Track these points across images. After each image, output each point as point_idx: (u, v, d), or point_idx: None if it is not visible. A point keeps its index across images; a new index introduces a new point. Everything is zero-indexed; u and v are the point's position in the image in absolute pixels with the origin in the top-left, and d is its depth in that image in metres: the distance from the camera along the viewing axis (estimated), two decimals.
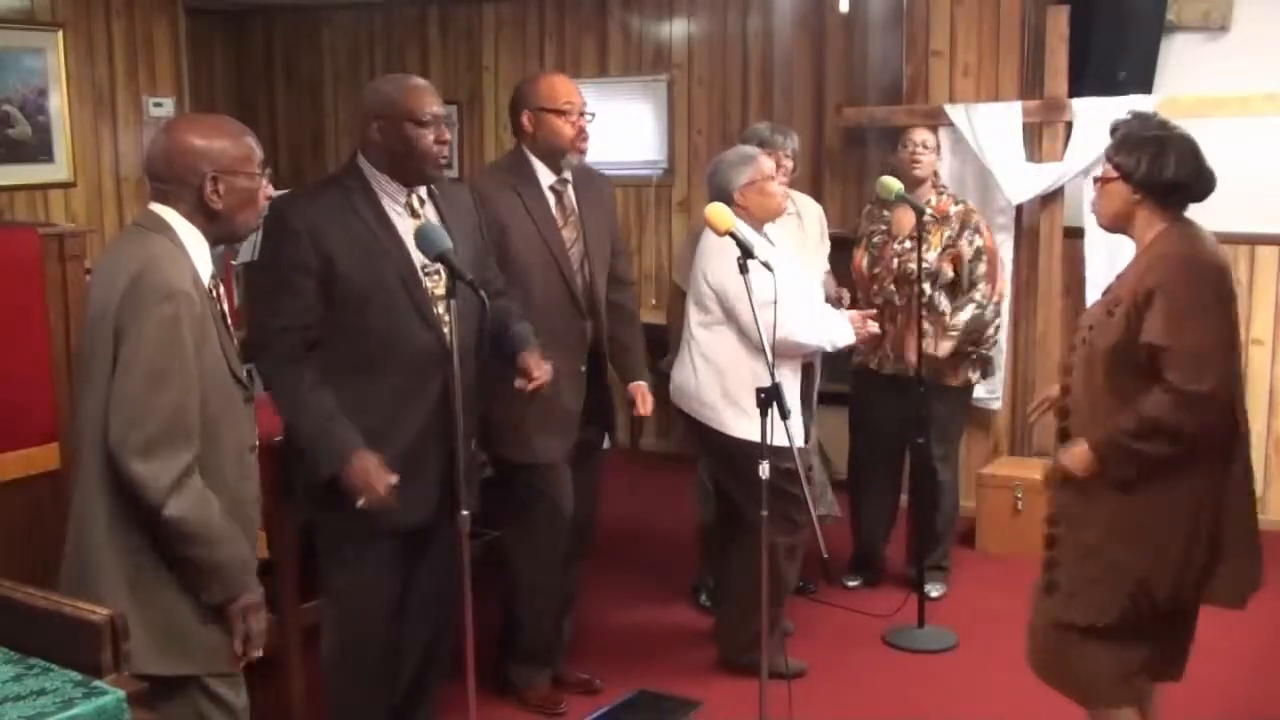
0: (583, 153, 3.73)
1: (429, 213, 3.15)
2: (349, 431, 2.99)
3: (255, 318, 3.14)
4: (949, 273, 4.64)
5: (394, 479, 2.96)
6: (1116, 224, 2.97)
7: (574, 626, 4.15)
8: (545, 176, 3.72)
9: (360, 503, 2.96)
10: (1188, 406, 2.76)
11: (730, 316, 3.82)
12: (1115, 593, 2.89)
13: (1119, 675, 2.97)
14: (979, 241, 4.68)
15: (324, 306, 3.02)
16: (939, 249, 4.64)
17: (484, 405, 3.45)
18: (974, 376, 4.86)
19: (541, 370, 3.25)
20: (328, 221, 3.01)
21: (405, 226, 3.09)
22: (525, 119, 3.69)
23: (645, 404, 3.96)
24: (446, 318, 3.06)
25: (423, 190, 3.16)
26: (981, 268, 4.68)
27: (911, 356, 4.54)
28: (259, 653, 2.51)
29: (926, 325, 4.55)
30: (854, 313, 4.17)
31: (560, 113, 3.65)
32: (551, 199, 3.73)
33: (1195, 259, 2.84)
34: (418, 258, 3.06)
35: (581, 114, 3.69)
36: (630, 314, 4.04)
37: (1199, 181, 2.88)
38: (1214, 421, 2.81)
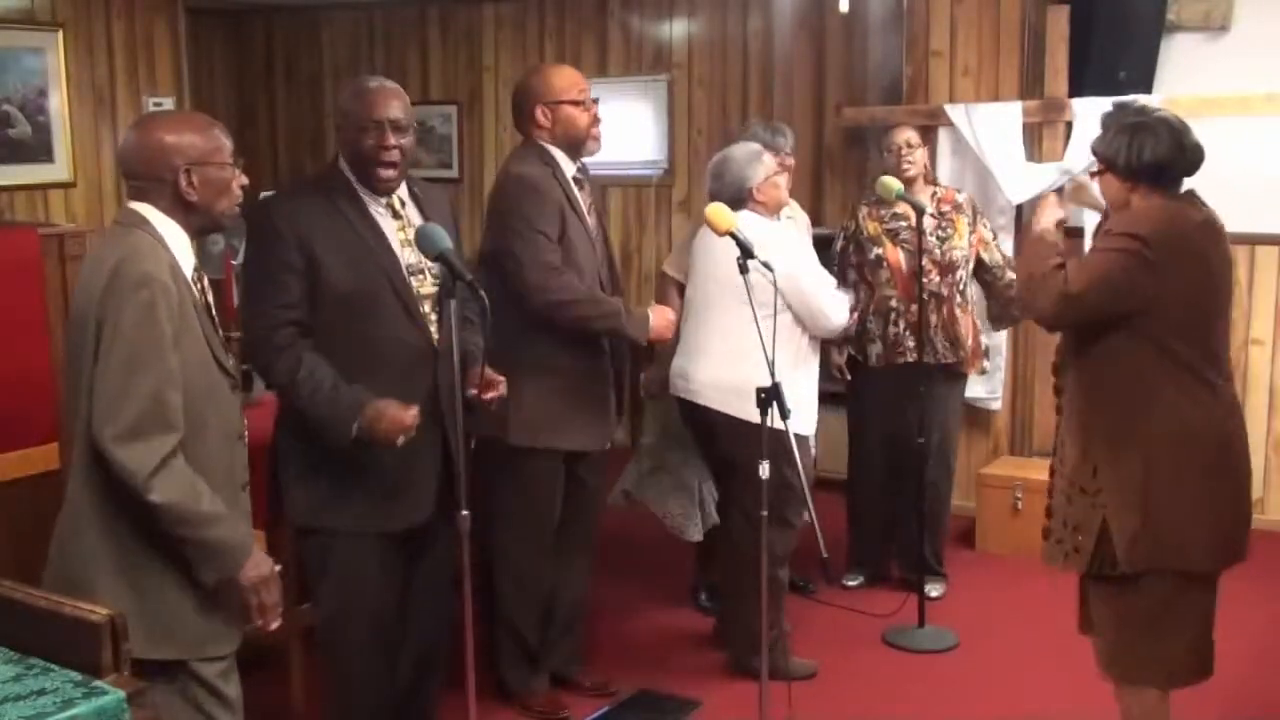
0: (599, 140, 3.74)
1: (411, 213, 3.14)
2: (354, 391, 2.95)
3: (243, 319, 3.13)
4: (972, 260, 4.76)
5: (415, 410, 2.93)
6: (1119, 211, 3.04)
7: (581, 629, 4.14)
8: (568, 167, 3.70)
9: (399, 441, 2.92)
10: (1054, 291, 2.94)
11: (796, 303, 3.83)
12: (1086, 543, 3.01)
13: (1147, 651, 3.01)
14: (990, 225, 4.88)
15: (310, 306, 3.01)
16: (966, 236, 4.71)
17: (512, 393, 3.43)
18: (987, 365, 5.01)
19: (498, 381, 3.17)
20: (313, 222, 3.01)
21: (388, 226, 3.09)
22: (539, 113, 3.66)
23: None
24: (434, 316, 3.08)
25: (403, 191, 3.15)
26: (1009, 245, 4.87)
27: (966, 342, 4.70)
28: (277, 624, 2.53)
29: (960, 313, 4.68)
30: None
31: (576, 103, 3.65)
32: (575, 189, 3.72)
33: (1140, 224, 2.90)
34: (403, 257, 3.07)
35: (594, 101, 3.70)
36: None
37: (1181, 157, 2.94)
38: (1055, 320, 3.03)
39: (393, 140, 3.03)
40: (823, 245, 4.88)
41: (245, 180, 2.57)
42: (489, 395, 3.13)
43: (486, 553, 3.87)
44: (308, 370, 2.96)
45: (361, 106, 3.04)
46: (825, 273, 4.12)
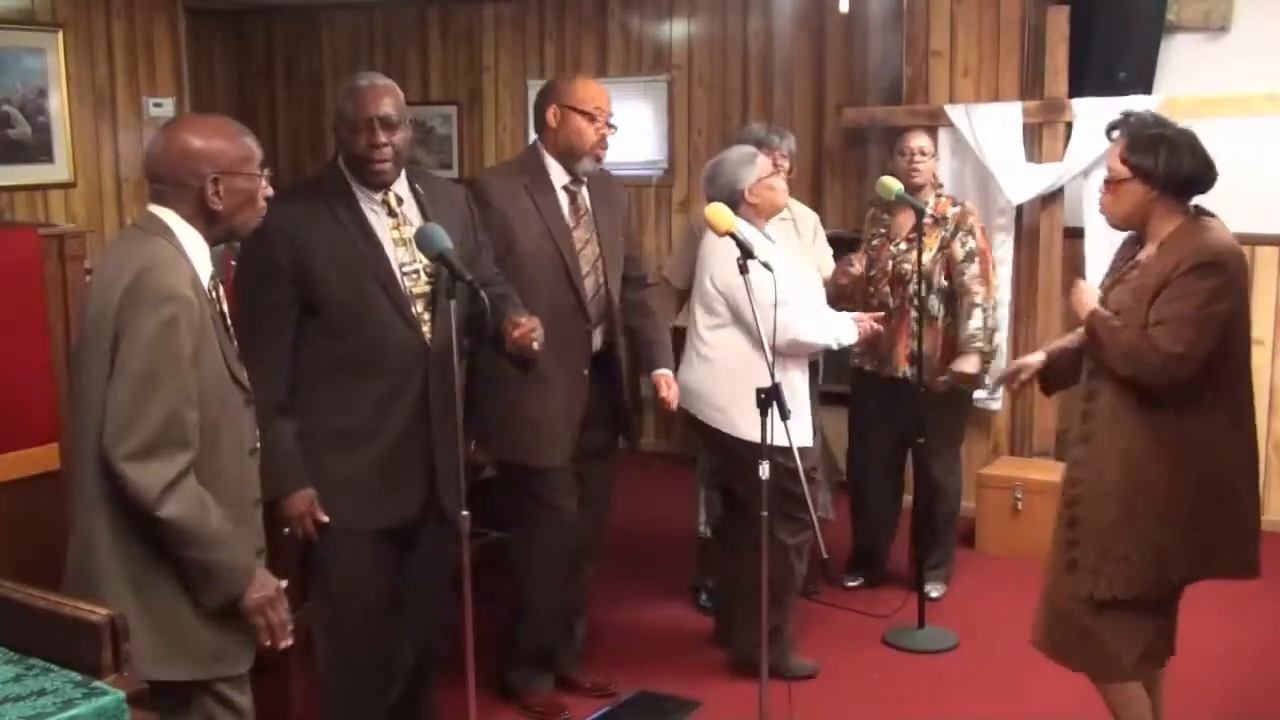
0: (599, 160, 3.73)
1: (409, 211, 3.14)
2: (298, 471, 3.03)
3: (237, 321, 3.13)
4: (944, 280, 4.63)
5: (324, 519, 3.05)
6: (1131, 222, 3.05)
7: (582, 630, 4.14)
8: (559, 177, 3.71)
9: (285, 530, 3.06)
10: (1156, 360, 2.91)
11: (738, 318, 3.82)
12: (1138, 567, 3.00)
13: (1137, 647, 3.06)
14: (971, 244, 4.66)
15: (298, 308, 3.02)
16: (934, 250, 4.62)
17: (481, 405, 3.44)
18: (963, 386, 4.78)
19: (528, 323, 3.15)
20: (304, 224, 3.02)
21: (382, 226, 3.09)
22: (551, 113, 3.68)
23: (669, 389, 3.85)
24: (427, 316, 3.09)
25: (402, 189, 3.15)
26: (974, 268, 4.63)
27: (901, 359, 4.62)
28: (289, 641, 2.49)
29: (915, 326, 4.56)
30: (859, 314, 4.19)
31: (587, 115, 3.65)
32: (565, 199, 3.71)
33: (1211, 250, 2.94)
34: (396, 256, 3.07)
35: (608, 123, 3.69)
36: (648, 309, 4.02)
37: (1209, 172, 2.99)
38: (1171, 383, 2.94)
39: (383, 138, 3.03)
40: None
41: (270, 191, 2.53)
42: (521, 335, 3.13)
43: (510, 556, 3.91)
44: (270, 417, 2.91)
45: (353, 105, 3.05)
46: (809, 290, 4.03)
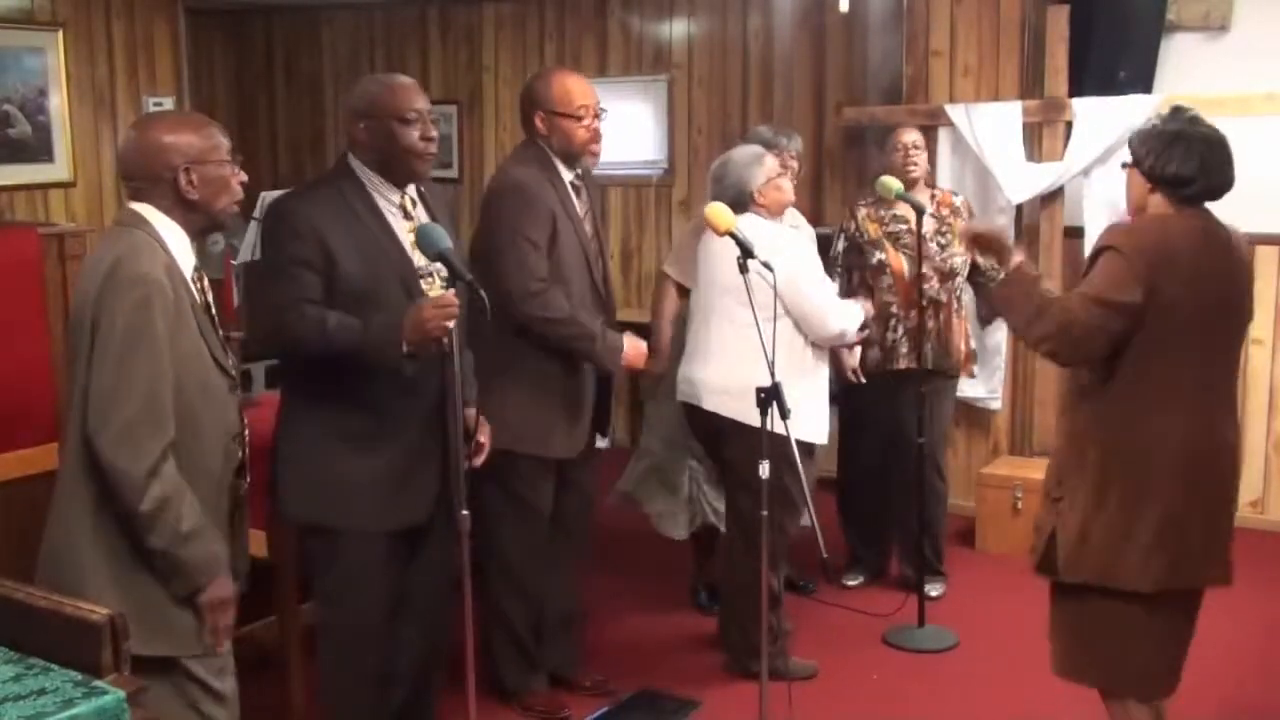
0: (596, 155, 3.72)
1: (420, 214, 3.14)
2: (383, 316, 2.93)
3: (257, 315, 3.12)
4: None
5: (450, 323, 2.84)
6: (1135, 211, 3.01)
7: (580, 630, 4.13)
8: (565, 173, 3.71)
9: (451, 324, 2.85)
10: (1062, 325, 2.87)
11: (794, 306, 3.79)
12: (1063, 545, 2.94)
13: (1085, 658, 3.02)
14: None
15: (327, 301, 3.00)
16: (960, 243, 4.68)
17: (491, 400, 3.44)
18: (976, 370, 5.01)
19: (485, 437, 3.30)
20: (329, 221, 3.00)
21: (400, 227, 3.08)
22: (539, 120, 3.66)
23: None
24: None
25: (414, 191, 3.15)
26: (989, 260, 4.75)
27: (959, 351, 4.71)
28: (225, 646, 2.55)
29: (955, 320, 4.68)
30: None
31: (574, 118, 3.63)
32: (571, 194, 3.72)
33: (1119, 235, 2.89)
34: (416, 259, 3.06)
35: (596, 115, 3.67)
36: None
37: (1204, 179, 2.90)
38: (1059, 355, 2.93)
39: (433, 131, 3.06)
40: (823, 245, 4.87)
41: (244, 177, 2.59)
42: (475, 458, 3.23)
43: (483, 553, 3.88)
44: (335, 319, 2.93)
45: (398, 100, 3.03)
46: (828, 280, 4.09)
